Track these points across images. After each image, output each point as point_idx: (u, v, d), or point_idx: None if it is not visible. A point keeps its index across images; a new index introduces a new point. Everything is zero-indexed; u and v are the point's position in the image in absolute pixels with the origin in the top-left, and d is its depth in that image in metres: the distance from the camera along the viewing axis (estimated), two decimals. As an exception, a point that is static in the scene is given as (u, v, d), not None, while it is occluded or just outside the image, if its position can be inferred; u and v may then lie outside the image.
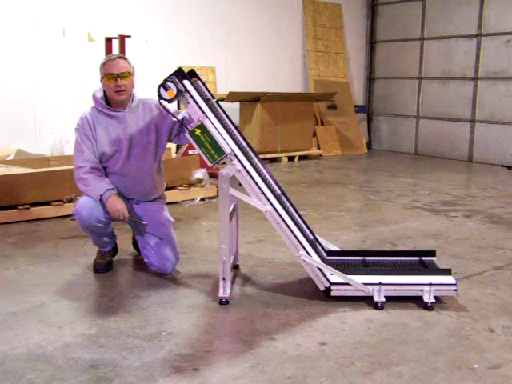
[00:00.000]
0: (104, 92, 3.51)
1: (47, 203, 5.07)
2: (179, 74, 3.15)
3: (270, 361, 2.53)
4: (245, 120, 8.63)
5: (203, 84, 3.45)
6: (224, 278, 3.17)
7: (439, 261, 3.67)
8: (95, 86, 3.61)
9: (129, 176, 3.56)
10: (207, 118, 3.13)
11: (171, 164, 5.77)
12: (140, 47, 7.82)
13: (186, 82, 3.15)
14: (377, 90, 10.93)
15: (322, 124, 9.88)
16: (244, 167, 3.13)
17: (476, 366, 2.51)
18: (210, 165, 3.14)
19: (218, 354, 2.60)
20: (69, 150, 6.68)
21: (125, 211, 3.41)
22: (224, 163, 3.17)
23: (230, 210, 3.24)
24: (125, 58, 3.48)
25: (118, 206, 3.39)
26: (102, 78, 3.44)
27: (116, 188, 3.53)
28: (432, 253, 3.59)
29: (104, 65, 3.44)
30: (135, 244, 3.98)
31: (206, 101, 3.22)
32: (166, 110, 3.33)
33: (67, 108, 7.29)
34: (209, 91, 3.46)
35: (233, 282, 3.48)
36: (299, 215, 3.52)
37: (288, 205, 3.46)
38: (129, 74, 3.44)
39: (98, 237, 3.62)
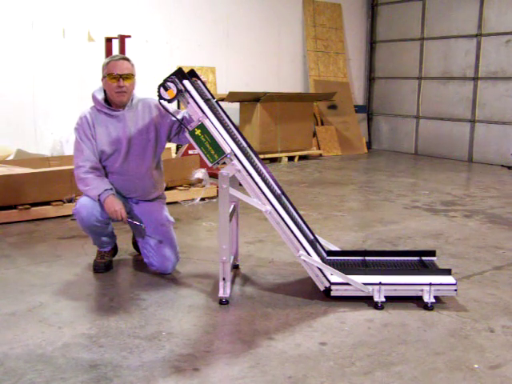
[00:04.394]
0: (104, 92, 3.52)
1: (47, 203, 5.07)
2: (179, 74, 3.15)
3: (270, 361, 2.53)
4: (245, 120, 8.63)
5: (203, 84, 3.45)
6: (224, 278, 3.17)
7: (439, 261, 3.67)
8: (95, 86, 3.61)
9: (128, 175, 3.56)
10: (207, 117, 3.13)
11: (171, 164, 5.77)
12: (140, 47, 7.82)
13: (186, 82, 3.15)
14: (377, 90, 10.93)
15: (322, 124, 9.89)
16: (244, 167, 3.13)
17: (476, 365, 2.51)
18: (210, 165, 3.14)
19: (218, 354, 2.60)
20: (69, 150, 6.68)
21: (123, 212, 3.41)
22: (224, 163, 3.17)
23: (230, 209, 3.24)
24: (128, 60, 3.49)
25: (115, 206, 3.39)
26: (104, 77, 3.45)
27: (115, 187, 3.53)
28: (432, 253, 3.59)
29: (107, 64, 3.44)
30: (135, 244, 3.98)
31: (206, 101, 3.22)
32: (166, 110, 3.33)
33: (67, 108, 7.29)
34: (209, 91, 3.46)
35: (233, 282, 3.48)
36: (299, 215, 3.52)
37: (288, 205, 3.46)
38: (131, 76, 3.45)
39: (97, 236, 3.62)
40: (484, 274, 3.74)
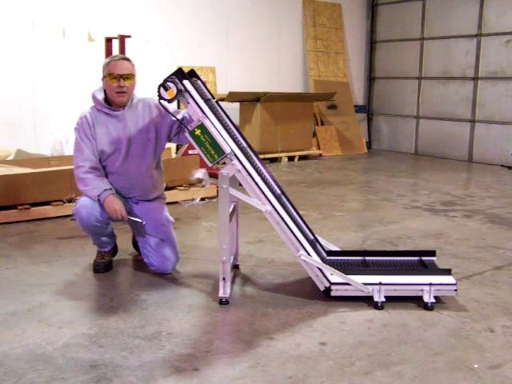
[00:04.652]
0: (104, 91, 3.52)
1: (47, 203, 5.07)
2: (179, 74, 3.15)
3: (270, 361, 2.53)
4: (245, 120, 8.63)
5: (203, 84, 3.45)
6: (224, 278, 3.17)
7: (439, 261, 3.67)
8: (95, 86, 3.61)
9: (128, 175, 3.56)
10: (207, 118, 3.13)
11: (171, 164, 5.77)
12: (140, 47, 7.82)
13: (186, 82, 3.15)
14: (377, 90, 10.93)
15: (322, 124, 9.88)
16: (244, 167, 3.13)
17: (476, 366, 2.51)
18: (210, 165, 3.14)
19: (218, 354, 2.60)
20: (69, 150, 6.68)
21: (122, 211, 3.41)
22: (224, 163, 3.17)
23: (230, 209, 3.24)
24: (129, 60, 3.49)
25: (115, 205, 3.39)
26: (105, 77, 3.45)
27: (115, 187, 3.54)
28: (432, 253, 3.59)
29: (108, 64, 3.44)
30: (135, 244, 3.98)
31: (206, 101, 3.22)
32: (166, 110, 3.33)
33: (67, 108, 7.29)
34: (209, 91, 3.46)
35: (233, 282, 3.48)
36: (299, 215, 3.52)
37: (288, 205, 3.46)
38: (132, 76, 3.45)
39: (97, 236, 3.62)
40: (484, 274, 3.74)
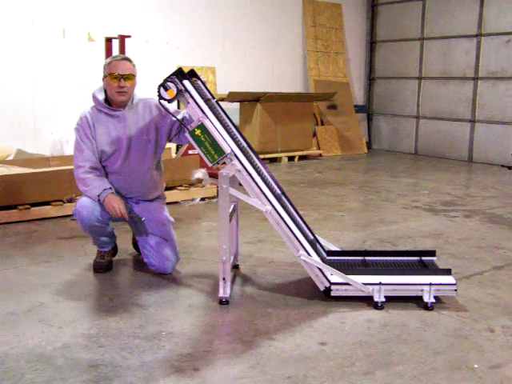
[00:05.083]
0: (104, 91, 3.52)
1: (47, 203, 5.07)
2: (179, 74, 3.15)
3: (269, 361, 2.53)
4: (245, 120, 8.63)
5: (203, 84, 3.45)
6: (224, 278, 3.17)
7: (439, 261, 3.67)
8: (95, 86, 3.61)
9: (128, 175, 3.56)
10: (207, 118, 3.13)
11: (171, 164, 5.77)
12: (140, 47, 7.82)
13: (186, 82, 3.15)
14: (377, 90, 10.92)
15: (322, 124, 9.88)
16: (244, 167, 3.13)
17: (476, 366, 2.51)
18: (210, 165, 3.14)
19: (218, 353, 2.60)
20: (69, 150, 6.68)
21: (122, 209, 3.41)
22: (224, 163, 3.17)
23: (230, 210, 3.24)
24: (130, 60, 3.49)
25: (114, 203, 3.39)
26: (105, 76, 3.45)
27: (115, 187, 3.54)
28: (432, 253, 3.59)
29: (109, 64, 3.44)
30: (135, 244, 3.98)
31: (206, 101, 3.22)
32: (166, 110, 3.33)
33: (67, 108, 7.29)
34: (209, 91, 3.46)
35: (233, 282, 3.48)
36: (299, 215, 3.52)
37: (288, 205, 3.46)
38: (133, 77, 3.46)
39: (97, 236, 3.62)
40: (484, 274, 3.75)
